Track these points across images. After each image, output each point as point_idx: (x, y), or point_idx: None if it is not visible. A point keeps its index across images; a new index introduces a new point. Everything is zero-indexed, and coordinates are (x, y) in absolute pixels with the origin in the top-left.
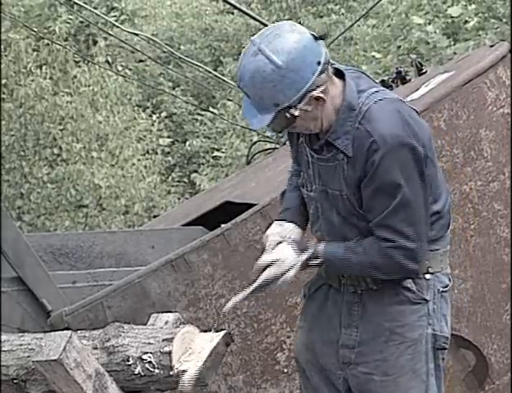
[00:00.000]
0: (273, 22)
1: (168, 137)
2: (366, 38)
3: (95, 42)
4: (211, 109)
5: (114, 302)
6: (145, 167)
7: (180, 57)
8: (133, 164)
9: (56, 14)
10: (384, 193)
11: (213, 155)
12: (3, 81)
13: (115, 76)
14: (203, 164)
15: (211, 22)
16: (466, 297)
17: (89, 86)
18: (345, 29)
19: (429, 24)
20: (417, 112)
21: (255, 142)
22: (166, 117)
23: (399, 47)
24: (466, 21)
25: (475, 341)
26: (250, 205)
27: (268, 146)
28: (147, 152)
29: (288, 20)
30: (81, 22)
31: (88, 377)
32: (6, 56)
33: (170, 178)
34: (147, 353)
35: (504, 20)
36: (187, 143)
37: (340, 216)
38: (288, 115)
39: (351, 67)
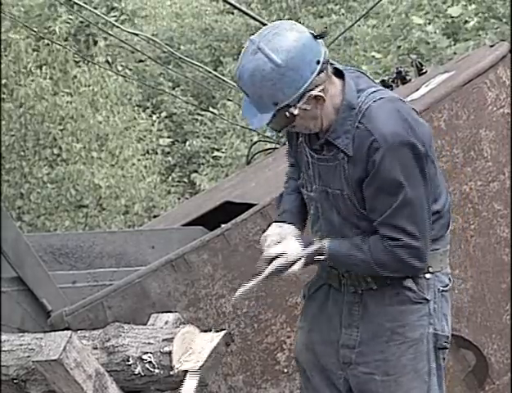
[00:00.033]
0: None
1: (168, 137)
2: (366, 38)
3: (95, 42)
4: (211, 109)
5: (114, 302)
6: (145, 167)
7: (180, 57)
8: (133, 164)
9: (56, 14)
10: (387, 192)
11: (213, 155)
12: (3, 81)
13: (115, 76)
14: (203, 164)
15: (211, 22)
16: (466, 297)
17: (89, 86)
18: (345, 29)
19: (429, 24)
20: (416, 112)
21: (255, 142)
22: (166, 117)
23: (399, 47)
24: (466, 21)
25: (475, 341)
26: (250, 205)
27: (268, 146)
28: (147, 152)
29: (288, 20)
30: (81, 22)
31: (88, 377)
32: (6, 56)
33: (170, 178)
34: (147, 353)
35: (504, 20)
36: (187, 143)
37: (340, 216)
38: (287, 114)
39: (350, 67)
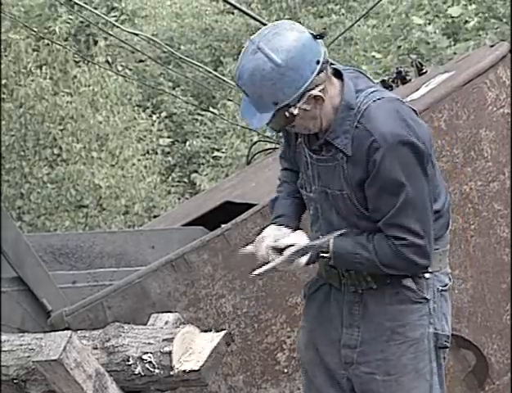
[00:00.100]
0: (273, 22)
1: (168, 137)
2: (366, 38)
3: (95, 42)
4: (211, 109)
5: (115, 302)
6: (146, 167)
7: (180, 57)
8: (133, 165)
9: (56, 14)
10: (389, 192)
11: (213, 155)
12: (3, 81)
13: (115, 76)
14: (203, 164)
15: (211, 22)
16: (466, 297)
17: (89, 86)
18: (345, 29)
19: (429, 24)
20: (416, 112)
21: (255, 142)
22: (166, 117)
23: (399, 47)
24: (466, 21)
25: (475, 341)
26: (250, 205)
27: (268, 146)
28: (147, 152)
29: (288, 20)
30: (81, 22)
31: (88, 377)
32: (6, 56)
33: (170, 178)
34: (147, 353)
35: (504, 20)
36: (187, 143)
37: (340, 216)
38: (287, 113)
39: (349, 67)
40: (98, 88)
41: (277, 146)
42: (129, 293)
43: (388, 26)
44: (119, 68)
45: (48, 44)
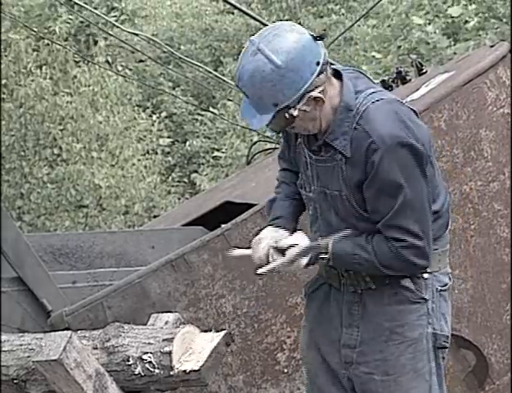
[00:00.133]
0: (273, 22)
1: (168, 137)
2: (366, 38)
3: (95, 42)
4: (211, 109)
5: (115, 302)
6: (146, 167)
7: (180, 57)
8: (133, 165)
9: (56, 14)
10: (387, 194)
11: (213, 155)
12: (3, 81)
13: (115, 76)
14: (203, 164)
15: (211, 22)
16: (466, 297)
17: (89, 86)
18: (345, 30)
19: (429, 24)
20: (416, 113)
21: (255, 142)
22: (166, 117)
23: (399, 47)
24: (466, 21)
25: (475, 341)
26: (250, 205)
27: (268, 146)
28: (147, 152)
29: (288, 20)
30: (81, 22)
31: (88, 377)
32: (6, 56)
33: (170, 178)
34: (147, 353)
35: (504, 20)
36: (187, 143)
37: (339, 217)
38: (287, 115)
39: (350, 67)
40: (98, 88)
41: (277, 146)
42: (129, 293)
43: (388, 26)
44: (119, 68)
45: (48, 44)
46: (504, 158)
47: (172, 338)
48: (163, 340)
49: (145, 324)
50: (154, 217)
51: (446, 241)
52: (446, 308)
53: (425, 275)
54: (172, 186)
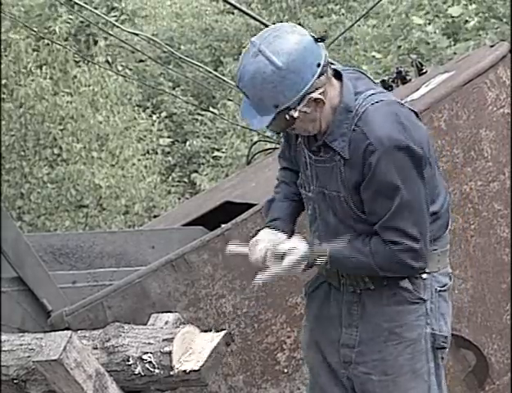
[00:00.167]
0: (273, 22)
1: (169, 137)
2: (366, 38)
3: (95, 42)
4: (211, 109)
5: (115, 302)
6: (146, 167)
7: (180, 57)
8: (133, 164)
9: (57, 14)
10: (384, 195)
11: (214, 155)
12: (3, 81)
13: (115, 76)
14: (203, 164)
15: (211, 22)
16: (466, 297)
17: (89, 86)
18: (345, 29)
19: (429, 24)
20: (416, 114)
21: (255, 142)
22: (166, 117)
23: (399, 47)
24: (466, 21)
25: (475, 341)
26: (250, 205)
27: (268, 146)
28: (147, 152)
29: (288, 20)
30: (81, 22)
31: (89, 377)
32: (6, 56)
33: (170, 178)
34: (147, 353)
35: (504, 20)
36: (187, 143)
37: (337, 217)
38: (287, 116)
39: (351, 67)
40: (98, 87)
41: (277, 146)
42: (129, 293)
43: (388, 26)
44: (119, 68)
45: (48, 44)
46: (504, 158)
47: (172, 338)
48: (163, 340)
49: (145, 324)
50: (155, 217)
51: (446, 241)
52: (446, 308)
53: (424, 276)
54: (173, 186)
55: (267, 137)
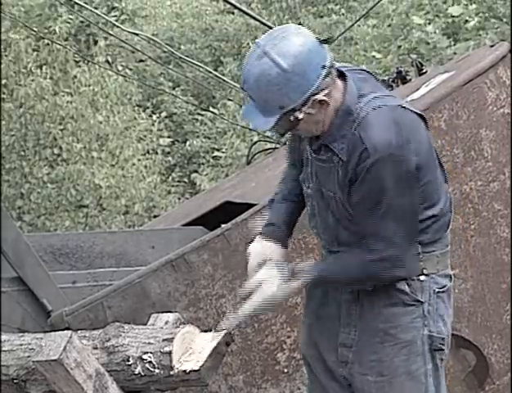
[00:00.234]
0: (273, 22)
1: (169, 137)
2: (366, 38)
3: (95, 42)
4: (211, 109)
5: (115, 302)
6: (146, 167)
7: (180, 57)
8: (133, 164)
9: (57, 14)
10: (371, 200)
11: (214, 155)
12: (3, 81)
13: (115, 76)
14: (203, 164)
15: (211, 22)
16: (466, 297)
17: (89, 86)
18: (345, 29)
19: (429, 24)
20: (422, 117)
21: (255, 142)
22: (166, 117)
23: (399, 47)
24: (467, 21)
25: (475, 341)
26: (250, 205)
27: (268, 146)
28: (147, 152)
29: (288, 20)
30: (81, 22)
31: (89, 377)
32: (6, 56)
33: (170, 178)
34: (147, 353)
35: (504, 19)
36: (187, 143)
37: (335, 217)
38: (292, 118)
39: (358, 68)
40: (98, 87)
41: (277, 146)
42: (129, 293)
43: (388, 26)
44: (119, 68)
45: (48, 44)
46: (504, 158)
47: (172, 338)
48: (163, 340)
49: (146, 324)
50: (155, 217)
51: (446, 243)
52: (445, 309)
53: (422, 277)
54: (173, 186)
55: (267, 137)
